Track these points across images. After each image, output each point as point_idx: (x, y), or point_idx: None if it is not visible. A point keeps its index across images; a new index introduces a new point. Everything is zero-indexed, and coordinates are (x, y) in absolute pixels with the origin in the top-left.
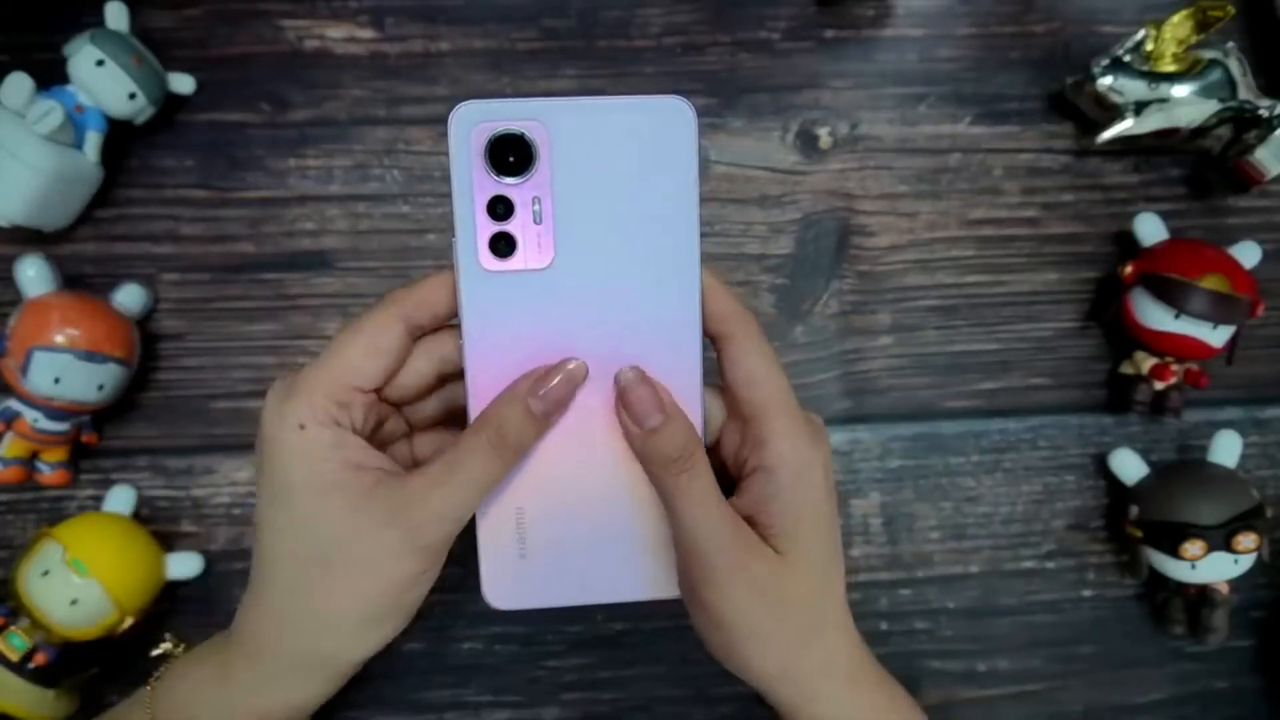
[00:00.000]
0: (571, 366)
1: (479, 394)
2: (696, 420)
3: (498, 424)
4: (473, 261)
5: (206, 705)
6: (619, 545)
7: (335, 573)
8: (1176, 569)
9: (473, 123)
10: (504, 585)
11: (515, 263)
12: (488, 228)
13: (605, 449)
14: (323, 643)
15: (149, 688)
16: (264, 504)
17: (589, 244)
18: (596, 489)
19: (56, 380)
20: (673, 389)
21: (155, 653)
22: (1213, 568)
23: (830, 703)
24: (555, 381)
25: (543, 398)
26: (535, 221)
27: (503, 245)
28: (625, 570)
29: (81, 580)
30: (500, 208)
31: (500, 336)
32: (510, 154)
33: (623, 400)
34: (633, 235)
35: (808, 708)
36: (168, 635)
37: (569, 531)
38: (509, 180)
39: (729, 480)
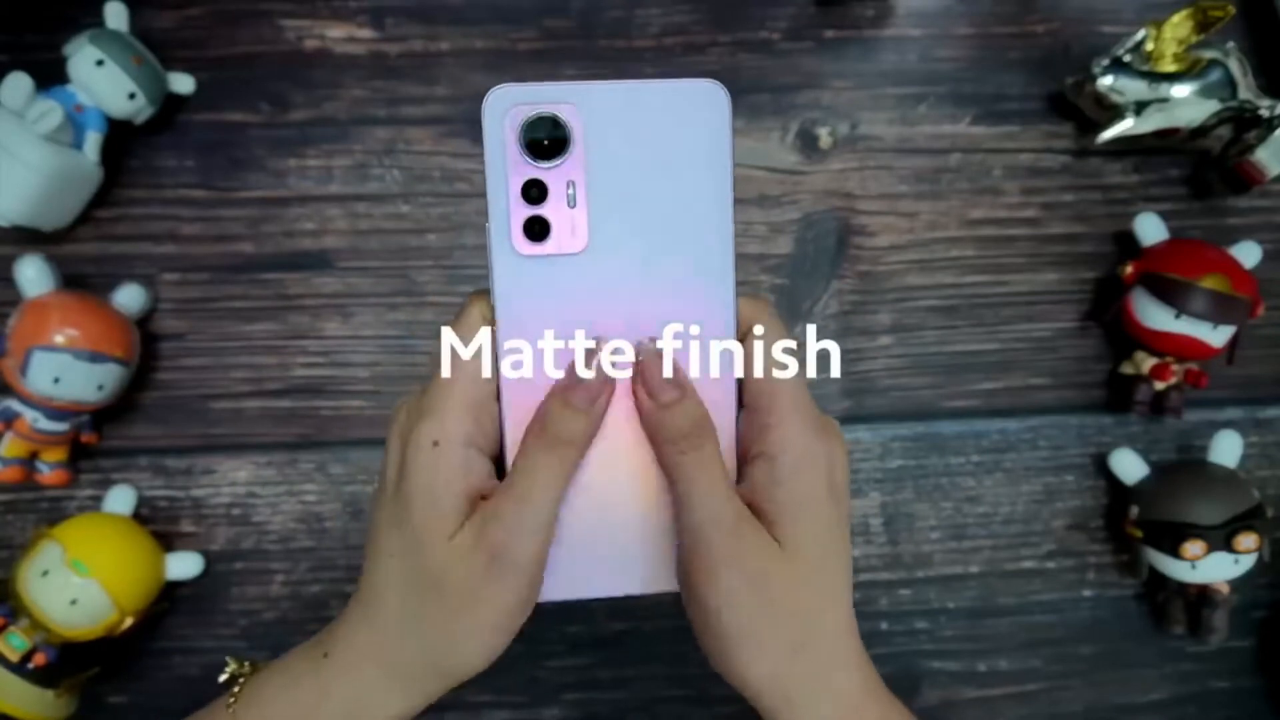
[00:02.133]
0: (593, 347)
1: (511, 381)
2: (730, 404)
3: (544, 421)
4: (506, 245)
5: None
6: (645, 536)
7: (445, 599)
8: (1176, 569)
9: (507, 106)
10: None
11: (549, 247)
12: (521, 211)
13: (635, 440)
14: (429, 655)
15: (229, 709)
16: (381, 523)
17: (623, 228)
18: (624, 482)
19: (56, 380)
20: (707, 373)
21: (223, 678)
22: (1213, 568)
23: None
24: (584, 367)
25: (579, 387)
26: (570, 205)
27: (537, 229)
28: (652, 563)
29: (81, 580)
30: (534, 191)
31: (534, 321)
32: (545, 137)
33: (640, 372)
34: (667, 219)
35: None
36: (229, 659)
37: (598, 524)
38: (543, 164)
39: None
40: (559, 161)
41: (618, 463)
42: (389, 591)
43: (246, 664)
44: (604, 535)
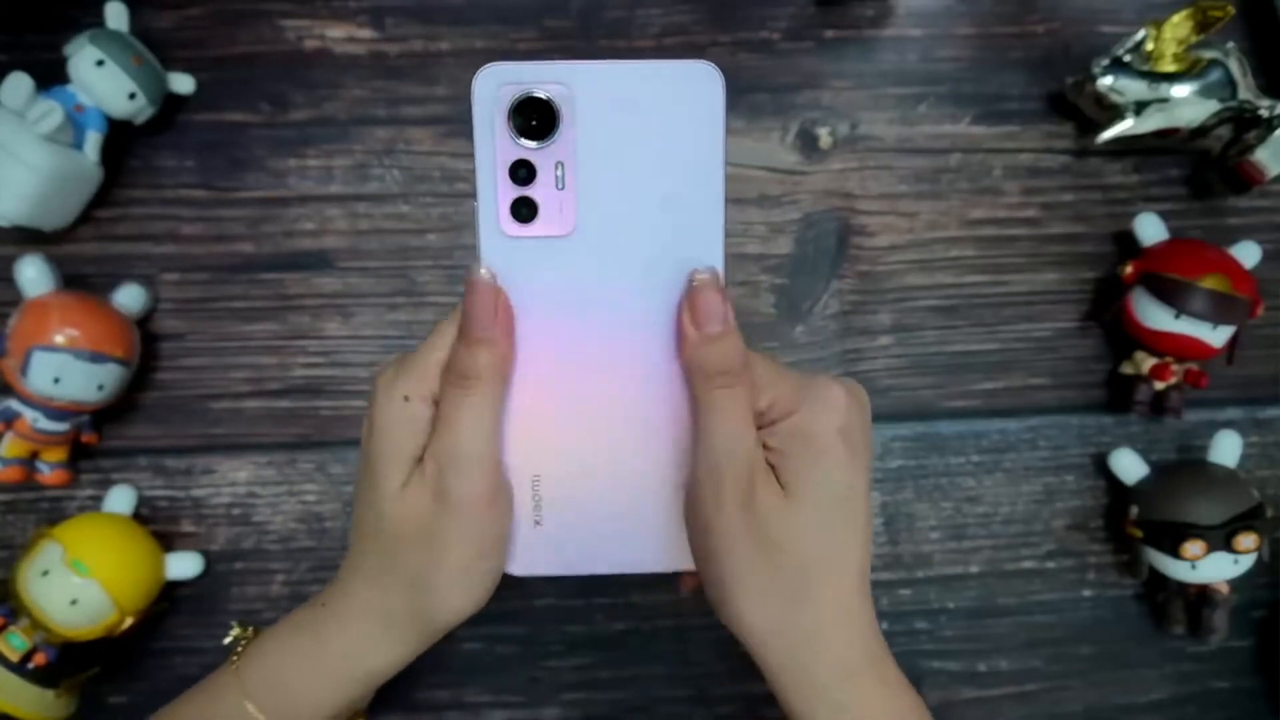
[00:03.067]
0: (473, 278)
1: None
2: None
3: (451, 363)
4: (493, 226)
5: (299, 670)
6: (634, 515)
7: (411, 546)
8: (1176, 569)
9: (496, 85)
10: (520, 551)
11: (537, 229)
12: (509, 192)
13: (624, 417)
14: (411, 603)
15: (233, 662)
16: (360, 475)
17: (612, 211)
18: (613, 458)
19: (56, 380)
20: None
21: (226, 640)
22: (1213, 568)
23: (819, 694)
24: (467, 298)
25: (469, 321)
26: (558, 187)
27: (524, 210)
28: (639, 541)
29: (81, 580)
30: (523, 172)
31: (520, 301)
32: (534, 118)
33: (690, 299)
34: (657, 203)
35: (798, 684)
36: (234, 623)
37: (584, 500)
38: (532, 144)
39: None
40: (548, 142)
41: (627, 440)
42: (368, 542)
43: (250, 629)
44: (611, 512)
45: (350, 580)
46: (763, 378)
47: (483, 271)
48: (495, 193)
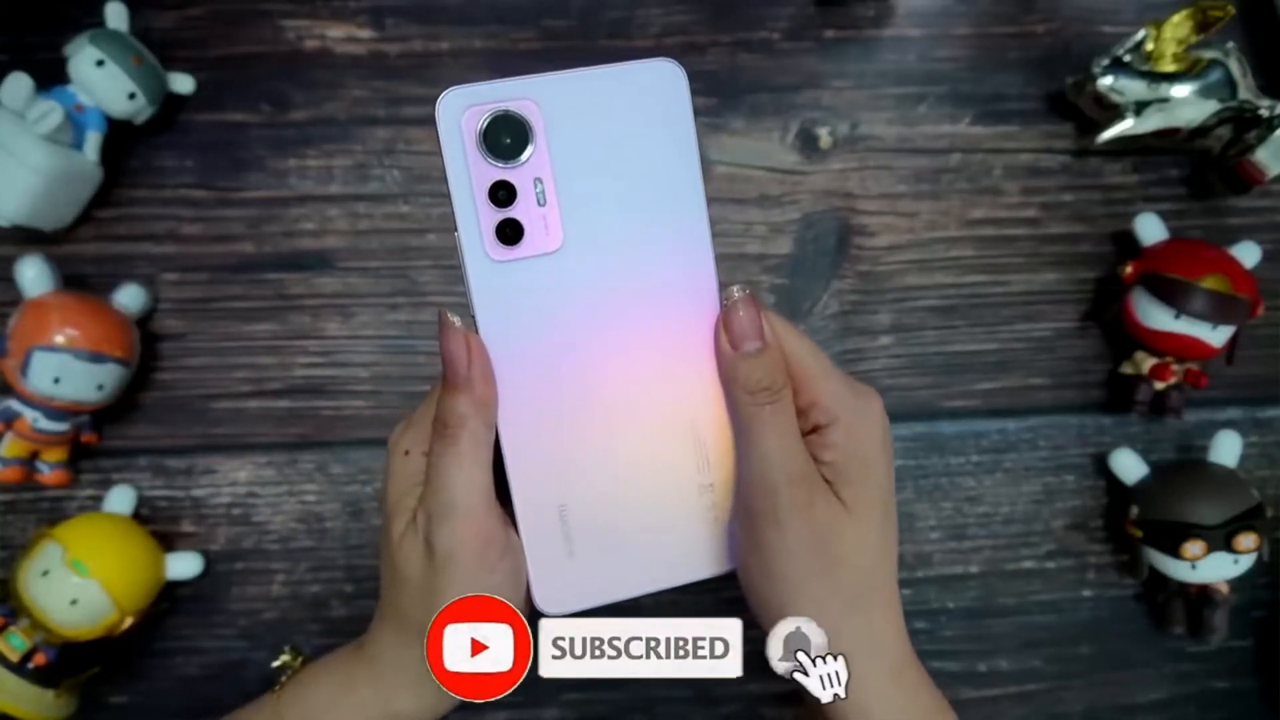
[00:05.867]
0: (443, 323)
1: (502, 389)
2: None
3: (436, 412)
4: (480, 253)
5: (330, 710)
6: (667, 525)
7: (415, 597)
8: (1177, 569)
9: (461, 109)
10: (555, 588)
11: (524, 249)
12: (491, 216)
13: (641, 425)
14: (424, 651)
15: (275, 694)
16: (382, 526)
17: (597, 219)
18: (639, 474)
19: (56, 380)
20: (695, 352)
21: (275, 664)
22: (1213, 568)
23: (874, 694)
24: (441, 344)
25: (444, 365)
26: (539, 204)
27: (509, 232)
28: (676, 553)
29: (81, 580)
30: (502, 193)
31: (517, 327)
32: (506, 136)
33: (725, 317)
34: (639, 204)
35: (853, 690)
36: (287, 648)
37: (615, 522)
38: (508, 164)
39: None
40: (523, 160)
41: (650, 454)
42: (388, 590)
43: (300, 659)
44: (645, 530)
45: (378, 626)
46: (802, 372)
47: (452, 317)
48: (477, 218)
